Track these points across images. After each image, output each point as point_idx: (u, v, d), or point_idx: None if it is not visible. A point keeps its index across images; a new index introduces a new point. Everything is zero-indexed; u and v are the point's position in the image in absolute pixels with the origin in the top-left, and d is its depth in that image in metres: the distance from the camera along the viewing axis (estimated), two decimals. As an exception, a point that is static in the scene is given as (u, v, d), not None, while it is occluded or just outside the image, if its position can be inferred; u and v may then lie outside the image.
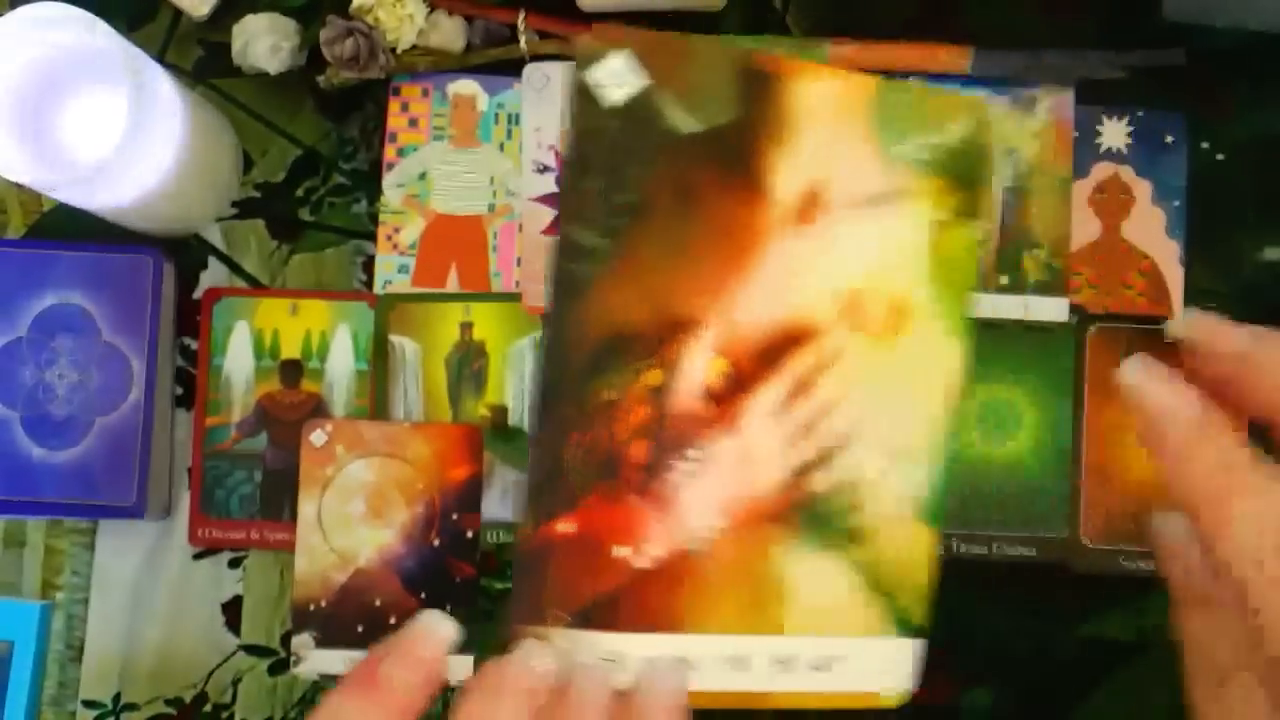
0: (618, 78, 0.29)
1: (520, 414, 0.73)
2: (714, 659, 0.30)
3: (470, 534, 0.72)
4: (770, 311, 0.32)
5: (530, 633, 0.32)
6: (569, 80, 0.31)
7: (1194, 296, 0.74)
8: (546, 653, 0.31)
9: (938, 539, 0.36)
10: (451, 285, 0.74)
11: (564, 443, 0.31)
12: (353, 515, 0.72)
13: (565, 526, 0.31)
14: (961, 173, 0.34)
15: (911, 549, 0.35)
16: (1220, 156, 0.75)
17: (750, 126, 0.31)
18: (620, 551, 0.32)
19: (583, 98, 0.31)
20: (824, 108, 0.31)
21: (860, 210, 0.32)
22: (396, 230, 0.74)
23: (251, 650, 0.73)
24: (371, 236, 0.74)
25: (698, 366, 0.32)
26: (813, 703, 0.33)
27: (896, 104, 0.32)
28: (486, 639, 0.72)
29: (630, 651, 0.30)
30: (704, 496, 0.32)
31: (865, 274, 0.33)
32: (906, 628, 0.35)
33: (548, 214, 0.74)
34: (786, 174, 0.32)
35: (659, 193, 0.31)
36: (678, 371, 0.32)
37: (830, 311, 0.32)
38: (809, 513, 0.33)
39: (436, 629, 0.36)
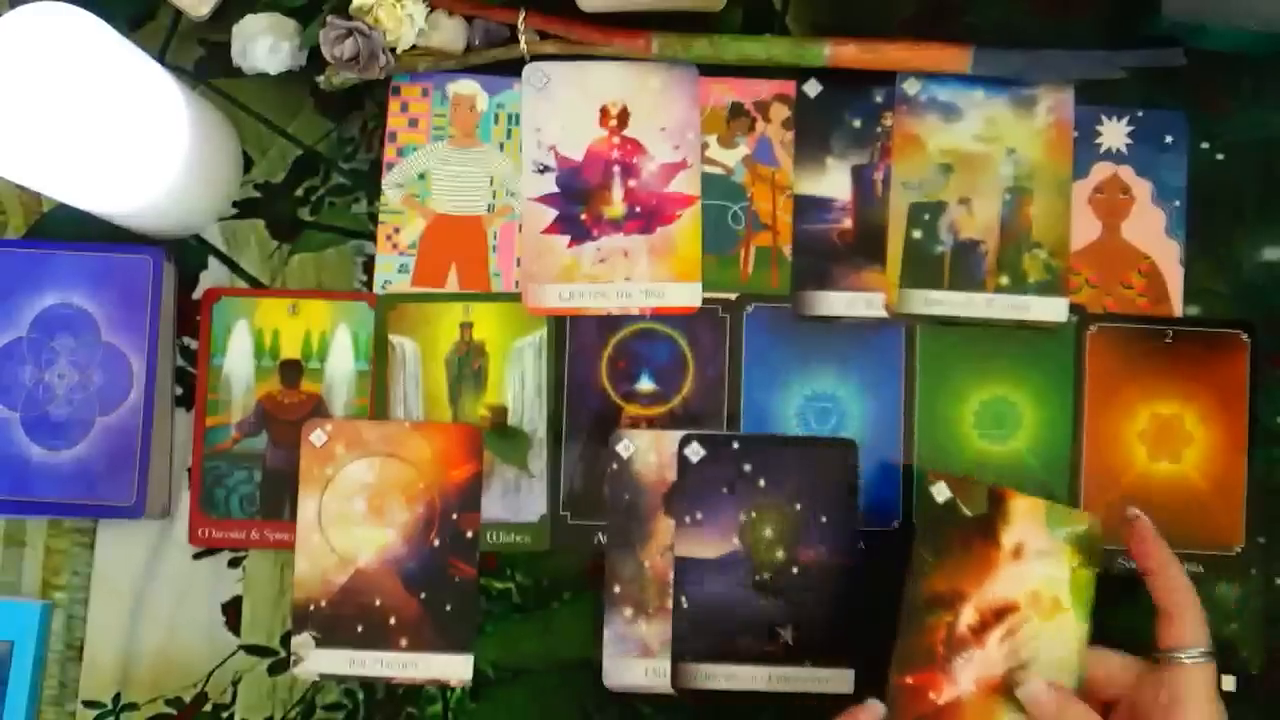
0: (942, 494, 0.68)
1: (520, 414, 0.73)
2: None
3: (470, 534, 0.72)
4: (999, 595, 0.68)
5: None
6: (922, 493, 0.70)
7: (1194, 296, 0.74)
8: None
9: None
10: (451, 285, 0.74)
11: (912, 640, 0.67)
12: (353, 515, 0.72)
13: (910, 680, 0.67)
14: (1083, 545, 0.68)
15: None
16: (1220, 156, 0.75)
17: (992, 514, 0.68)
18: (931, 695, 0.67)
19: (927, 497, 0.69)
20: (1025, 511, 0.68)
21: (1036, 555, 0.68)
22: (396, 230, 0.74)
23: (251, 650, 0.73)
24: (371, 236, 0.75)
25: (966, 616, 0.68)
26: None
27: (1056, 512, 0.68)
28: (486, 639, 0.73)
29: None
30: (967, 676, 0.67)
31: (1040, 585, 0.68)
32: None
33: (548, 214, 0.74)
34: (1007, 536, 0.68)
35: (954, 542, 0.68)
36: (958, 617, 0.68)
37: (1025, 599, 0.68)
38: (1013, 691, 0.67)
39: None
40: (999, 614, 0.67)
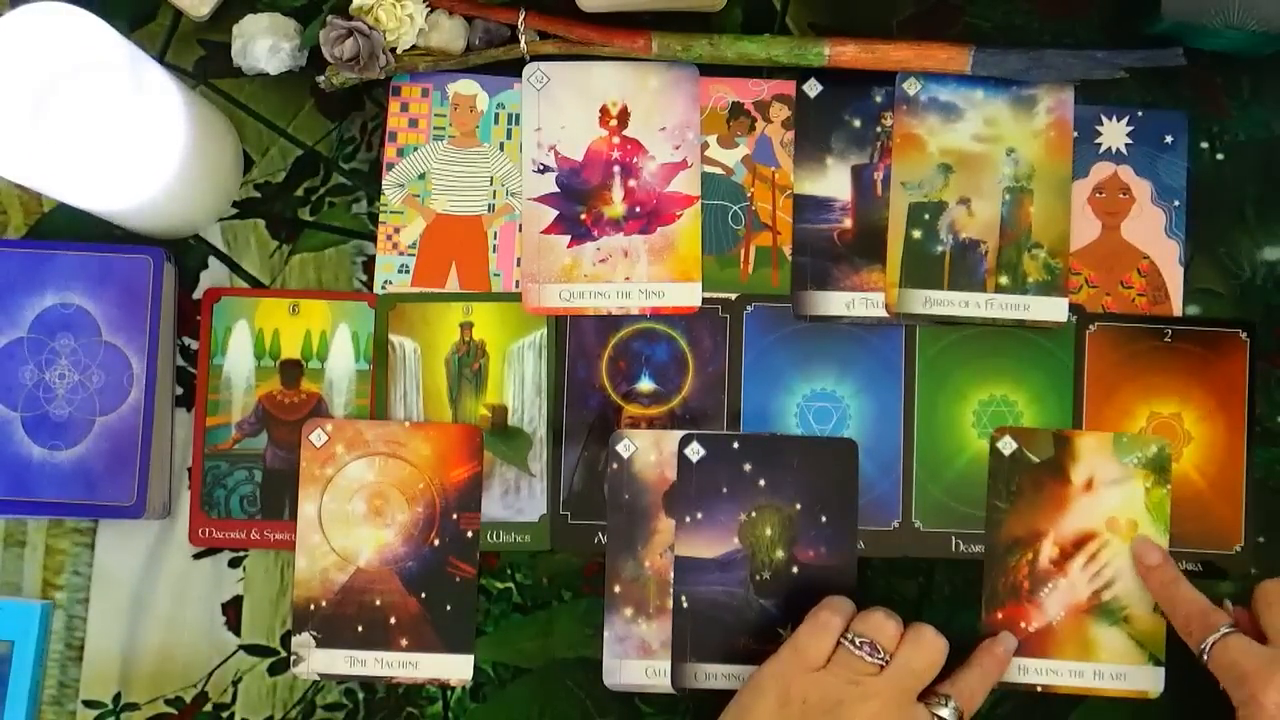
0: (1008, 446, 0.73)
1: (520, 414, 0.73)
2: (1067, 670, 0.72)
3: (470, 534, 0.72)
4: (1076, 527, 0.73)
5: None
6: (990, 450, 0.74)
7: (1194, 296, 0.74)
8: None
9: (1164, 623, 0.72)
10: (451, 285, 0.74)
11: (997, 581, 0.72)
12: (353, 515, 0.72)
13: (1000, 615, 0.72)
14: (1155, 465, 0.72)
15: (1154, 625, 0.72)
16: (1220, 156, 0.75)
17: (1060, 456, 0.73)
18: (1022, 625, 0.72)
19: (994, 453, 0.73)
20: (1092, 446, 0.73)
21: (1109, 484, 0.73)
22: (396, 230, 0.74)
23: (251, 650, 0.73)
24: (371, 236, 0.75)
25: (1047, 551, 0.72)
26: (1115, 694, 0.72)
27: (1123, 441, 0.73)
28: (486, 638, 0.73)
29: (1027, 665, 0.72)
30: (1055, 603, 0.72)
31: (1115, 510, 0.72)
32: (1157, 662, 0.72)
33: (548, 214, 0.74)
34: (1076, 472, 0.73)
35: (1024, 487, 0.73)
36: (1039, 553, 0.72)
37: (1101, 526, 0.72)
38: (1101, 609, 0.72)
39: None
40: (1078, 544, 0.72)
